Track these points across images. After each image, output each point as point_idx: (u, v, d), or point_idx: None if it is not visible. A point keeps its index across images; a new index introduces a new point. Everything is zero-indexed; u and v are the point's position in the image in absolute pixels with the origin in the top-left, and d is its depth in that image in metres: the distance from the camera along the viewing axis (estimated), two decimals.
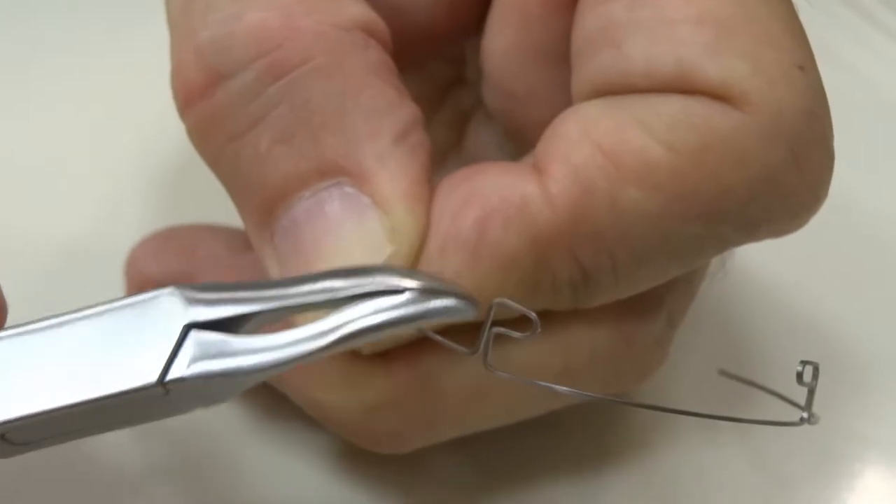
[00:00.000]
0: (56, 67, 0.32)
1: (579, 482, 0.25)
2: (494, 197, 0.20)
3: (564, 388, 0.19)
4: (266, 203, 0.20)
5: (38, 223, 0.29)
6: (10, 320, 0.18)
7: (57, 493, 0.25)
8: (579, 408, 0.24)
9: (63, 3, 0.34)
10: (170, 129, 0.21)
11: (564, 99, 0.21)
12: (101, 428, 0.18)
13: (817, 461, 0.26)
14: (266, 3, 0.20)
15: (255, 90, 0.20)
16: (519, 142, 0.24)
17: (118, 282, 0.25)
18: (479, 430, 0.23)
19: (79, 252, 0.29)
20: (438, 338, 0.19)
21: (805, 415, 0.20)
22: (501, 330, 0.19)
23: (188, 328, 0.17)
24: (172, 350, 0.17)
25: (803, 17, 0.20)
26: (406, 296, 0.17)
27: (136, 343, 0.17)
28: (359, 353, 0.21)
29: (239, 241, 0.25)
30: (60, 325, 0.17)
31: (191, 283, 0.17)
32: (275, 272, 0.20)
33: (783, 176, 0.19)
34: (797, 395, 0.21)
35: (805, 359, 0.20)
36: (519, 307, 0.18)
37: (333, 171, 0.20)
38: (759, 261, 0.28)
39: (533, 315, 0.18)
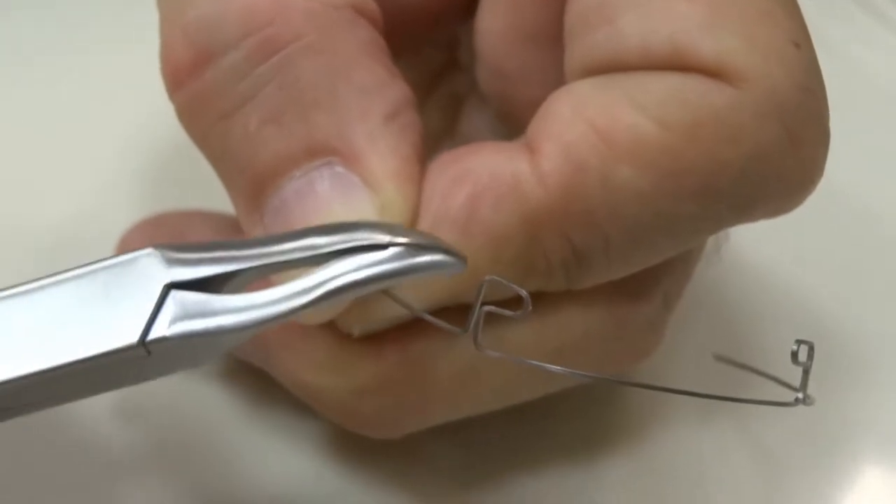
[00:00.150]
0: (46, 56, 0.32)
1: (575, 468, 0.25)
2: (485, 175, 0.19)
3: (555, 366, 0.19)
4: (256, 184, 0.20)
5: (29, 209, 0.29)
6: None
7: (44, 478, 0.25)
8: (574, 394, 0.24)
9: None
10: (163, 115, 0.21)
11: (557, 79, 0.21)
12: (83, 392, 0.18)
13: (816, 447, 0.26)
14: None
15: (245, 69, 0.20)
16: (513, 125, 0.24)
17: None
18: (472, 413, 0.23)
19: (70, 238, 0.29)
20: (429, 317, 0.19)
21: (800, 395, 0.19)
22: (492, 308, 0.18)
23: (168, 288, 0.17)
24: (153, 310, 0.16)
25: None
26: (392, 251, 0.17)
27: (116, 304, 0.16)
28: (349, 335, 0.21)
29: (229, 227, 0.25)
30: (39, 288, 0.17)
31: (170, 243, 0.17)
32: None
33: (777, 153, 0.19)
34: (794, 380, 0.20)
35: None
36: (509, 284, 0.18)
37: (323, 151, 0.19)
38: (755, 244, 0.28)
39: (524, 293, 0.18)
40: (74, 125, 0.31)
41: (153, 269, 0.17)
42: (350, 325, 0.21)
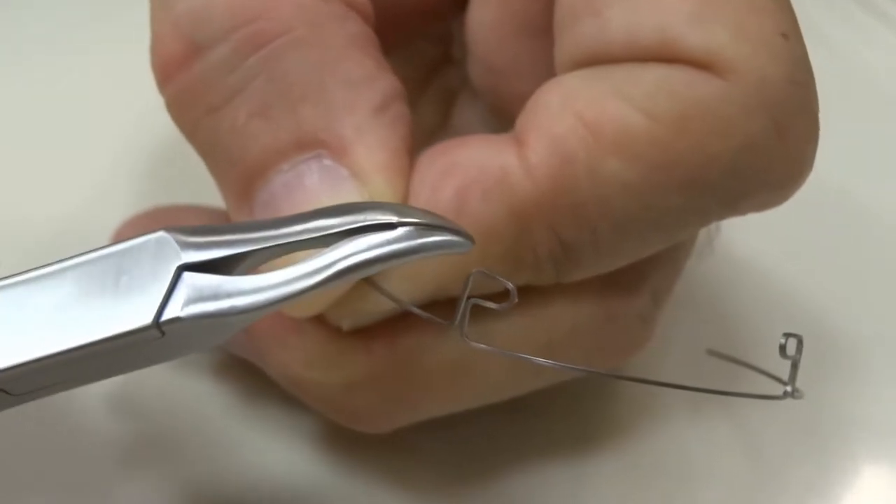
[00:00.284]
0: (44, 52, 0.32)
1: (565, 464, 0.25)
2: (474, 168, 0.19)
3: (543, 359, 0.19)
4: (245, 177, 0.20)
5: (27, 207, 0.29)
6: None
7: (35, 471, 0.25)
8: (564, 390, 0.24)
9: None
10: (161, 112, 0.21)
11: (548, 72, 0.21)
12: (98, 374, 0.18)
13: (806, 442, 0.26)
14: None
15: (233, 62, 0.20)
16: (504, 119, 0.24)
17: None
18: (462, 408, 0.23)
19: (68, 235, 0.28)
20: (416, 310, 0.19)
21: (789, 388, 0.19)
22: (478, 301, 0.18)
23: (181, 270, 0.17)
24: (166, 292, 0.16)
25: None
26: (401, 230, 0.17)
27: (129, 287, 0.17)
28: (339, 329, 0.21)
29: (221, 221, 0.25)
30: (54, 272, 0.17)
31: (182, 226, 0.17)
32: None
33: (766, 146, 0.19)
34: (786, 375, 0.20)
35: None
36: (496, 276, 0.18)
37: (312, 144, 0.19)
38: (747, 239, 0.28)
39: (509, 284, 0.18)
40: (73, 123, 0.31)
41: (166, 252, 0.17)
42: (339, 318, 0.21)
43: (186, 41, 0.20)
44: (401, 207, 0.17)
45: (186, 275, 0.17)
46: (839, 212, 0.30)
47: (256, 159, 0.20)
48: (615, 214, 0.19)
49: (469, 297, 0.18)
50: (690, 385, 0.19)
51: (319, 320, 0.21)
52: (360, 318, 0.21)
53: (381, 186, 0.19)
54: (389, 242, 0.17)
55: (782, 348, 0.19)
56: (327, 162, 0.19)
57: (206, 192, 0.22)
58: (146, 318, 0.16)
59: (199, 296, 0.17)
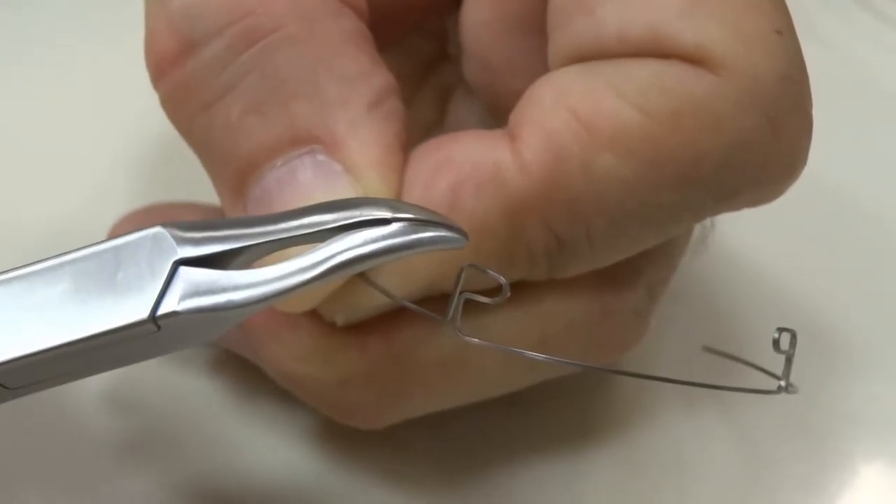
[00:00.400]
0: (42, 51, 0.32)
1: (558, 459, 0.25)
2: (467, 164, 0.19)
3: (537, 353, 0.19)
4: (238, 173, 0.20)
5: (25, 206, 0.29)
6: None
7: (30, 468, 0.25)
8: (558, 385, 0.24)
9: None
10: (159, 110, 0.21)
11: (542, 69, 0.21)
12: (95, 368, 0.18)
13: (800, 438, 0.26)
14: None
15: (227, 58, 0.20)
16: (500, 116, 0.24)
17: None
18: (456, 404, 0.23)
19: (66, 234, 0.28)
20: (410, 304, 0.19)
21: (782, 383, 0.19)
22: (471, 295, 0.18)
23: (177, 265, 0.17)
24: (163, 286, 0.17)
25: None
26: (396, 226, 0.17)
27: (125, 281, 0.17)
28: (333, 324, 0.21)
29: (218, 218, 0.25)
30: (50, 267, 0.17)
31: (178, 221, 0.17)
32: None
33: (759, 142, 0.19)
34: (780, 371, 0.20)
35: None
36: (488, 271, 0.18)
37: (305, 139, 0.19)
38: (742, 235, 0.28)
39: (502, 279, 0.18)
40: (72, 123, 0.31)
41: (162, 247, 0.17)
42: (333, 313, 0.21)
43: (180, 37, 0.20)
44: (395, 203, 0.17)
45: (182, 270, 0.17)
46: (834, 208, 0.30)
47: (249, 155, 0.20)
48: (609, 210, 0.19)
49: (462, 292, 0.18)
50: (685, 380, 0.19)
51: (313, 315, 0.21)
52: (353, 314, 0.21)
53: (374, 181, 0.19)
54: (383, 238, 0.17)
55: (776, 343, 0.19)
56: (321, 157, 0.19)
57: (205, 192, 0.22)
58: (142, 313, 0.16)
59: (195, 290, 0.17)
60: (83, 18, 0.33)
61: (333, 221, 0.17)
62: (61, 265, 0.17)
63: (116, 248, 0.17)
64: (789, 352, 0.19)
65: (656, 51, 0.19)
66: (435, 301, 0.20)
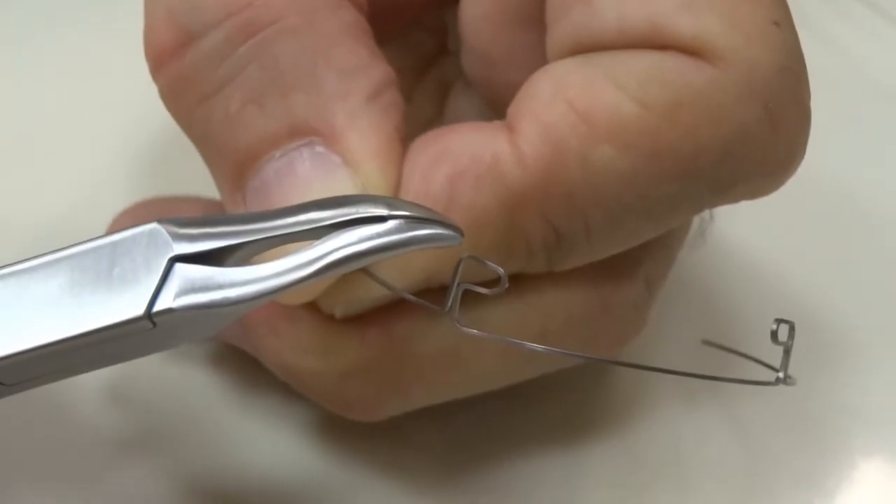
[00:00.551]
0: (38, 45, 0.32)
1: (558, 452, 0.25)
2: (465, 156, 0.19)
3: (536, 345, 0.19)
4: (237, 165, 0.20)
5: (24, 201, 0.29)
6: None
7: (30, 463, 0.25)
8: (557, 378, 0.24)
9: None
10: (155, 106, 0.21)
11: (541, 62, 0.21)
12: (91, 364, 0.18)
13: (799, 431, 0.26)
14: None
15: (226, 50, 0.20)
16: (499, 109, 0.24)
17: None
18: (456, 396, 0.23)
19: (65, 231, 0.28)
20: (409, 296, 0.19)
21: (780, 375, 0.19)
22: (469, 286, 0.18)
23: (173, 261, 0.17)
24: (158, 283, 0.17)
25: None
26: (392, 223, 0.17)
27: (121, 278, 0.17)
28: (332, 317, 0.21)
29: (216, 212, 0.25)
30: (46, 263, 0.17)
31: (174, 217, 0.17)
32: None
33: (758, 134, 0.19)
34: (778, 364, 0.20)
35: None
36: (486, 262, 0.18)
37: (304, 131, 0.19)
38: (740, 228, 0.28)
39: (500, 270, 0.18)
40: (69, 114, 0.31)
41: (158, 243, 0.17)
42: (332, 306, 0.21)
43: (179, 29, 0.20)
44: (392, 200, 0.18)
45: (178, 266, 0.17)
46: (832, 202, 0.30)
47: (248, 147, 0.20)
48: (607, 202, 0.19)
49: (460, 283, 0.18)
50: (684, 371, 0.19)
51: (312, 308, 0.21)
52: (352, 306, 0.21)
53: (373, 173, 0.19)
54: (380, 235, 0.17)
55: (774, 334, 0.19)
56: (319, 149, 0.19)
57: (205, 185, 0.22)
58: (138, 309, 0.16)
59: (190, 287, 0.17)
60: (82, 11, 0.33)
61: (330, 218, 0.17)
62: (57, 261, 0.17)
63: (112, 244, 0.17)
64: (787, 343, 0.19)
65: (655, 42, 0.19)
66: (434, 293, 0.20)
